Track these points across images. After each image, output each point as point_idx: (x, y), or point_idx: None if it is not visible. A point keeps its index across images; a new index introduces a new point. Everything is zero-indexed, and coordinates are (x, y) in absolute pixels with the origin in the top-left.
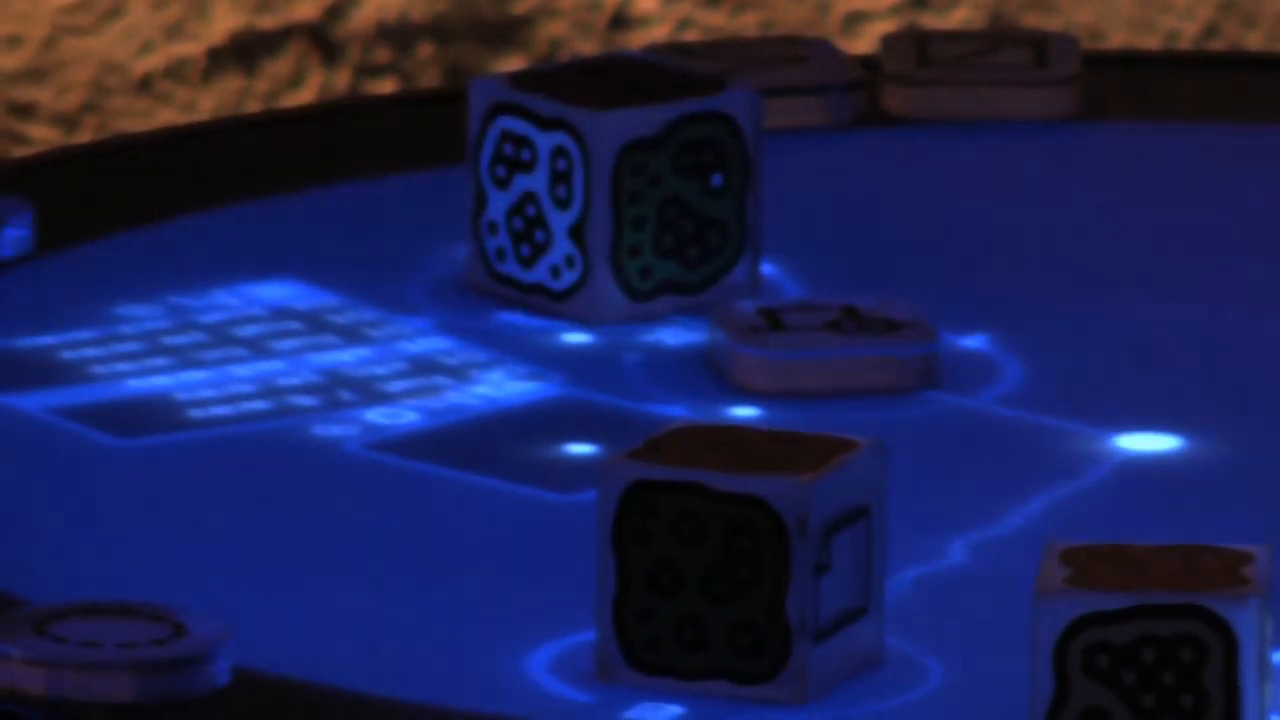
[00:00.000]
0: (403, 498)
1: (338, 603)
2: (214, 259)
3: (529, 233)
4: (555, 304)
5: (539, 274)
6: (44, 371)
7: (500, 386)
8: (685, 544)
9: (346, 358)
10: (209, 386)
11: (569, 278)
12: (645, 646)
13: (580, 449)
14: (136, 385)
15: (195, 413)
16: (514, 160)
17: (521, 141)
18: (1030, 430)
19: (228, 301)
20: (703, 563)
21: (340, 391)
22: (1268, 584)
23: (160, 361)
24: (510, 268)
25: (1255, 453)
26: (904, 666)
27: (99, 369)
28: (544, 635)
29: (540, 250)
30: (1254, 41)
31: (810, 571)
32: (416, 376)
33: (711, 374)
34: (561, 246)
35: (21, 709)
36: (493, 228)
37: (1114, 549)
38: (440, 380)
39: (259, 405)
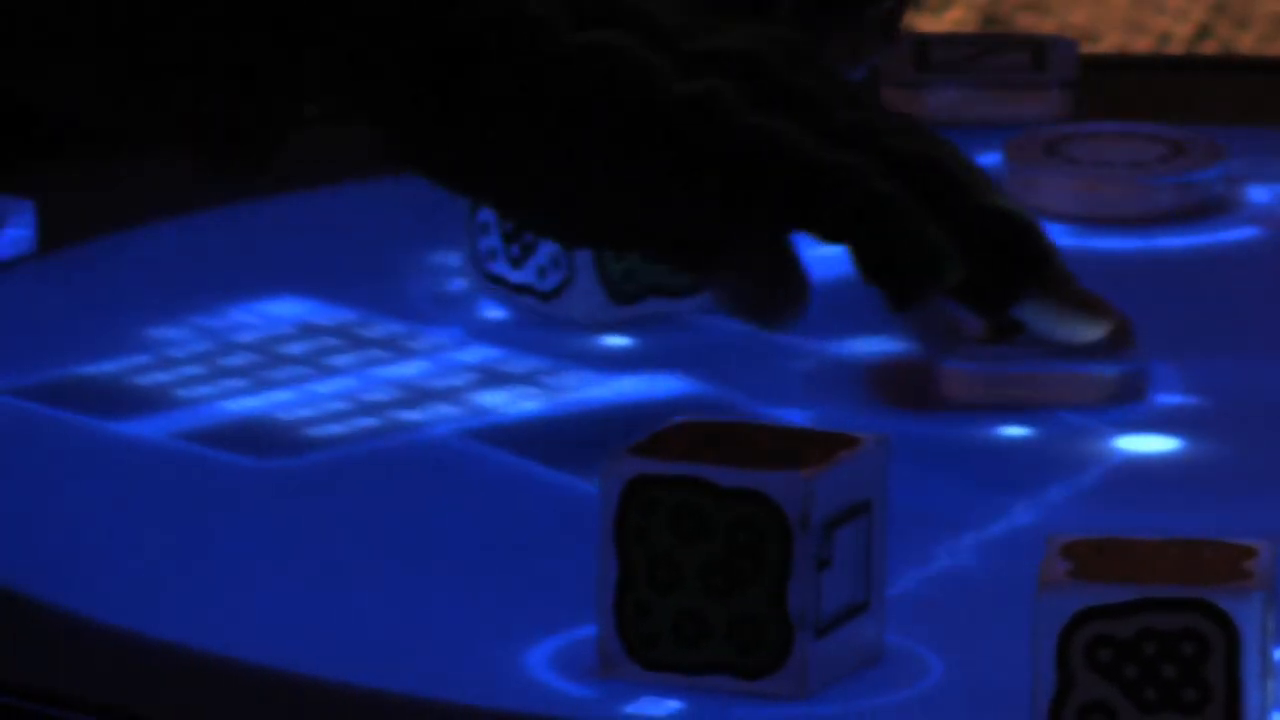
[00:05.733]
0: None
1: (335, 598)
2: (197, 270)
3: (519, 233)
4: (542, 304)
5: (527, 274)
6: (128, 398)
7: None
8: (686, 539)
9: (411, 370)
10: (303, 405)
11: (554, 278)
12: (646, 641)
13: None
14: (233, 407)
15: (313, 431)
16: None
17: None
18: (1027, 430)
19: (246, 319)
20: (704, 557)
21: (436, 404)
22: (1270, 578)
23: (236, 383)
24: (500, 267)
25: (1257, 450)
26: (905, 661)
27: (181, 392)
28: (545, 630)
29: (529, 250)
30: (1246, 43)
31: (811, 566)
32: (496, 383)
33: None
34: (547, 247)
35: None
36: (485, 228)
37: (1116, 543)
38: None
39: (368, 421)
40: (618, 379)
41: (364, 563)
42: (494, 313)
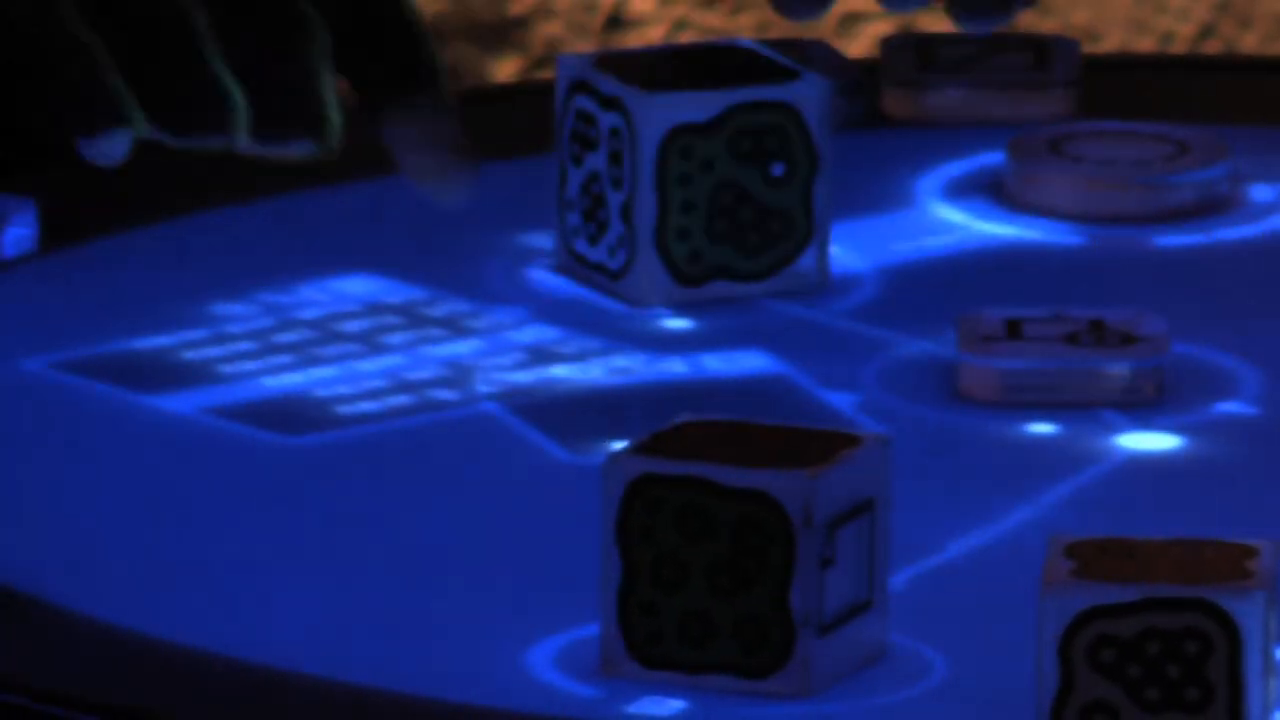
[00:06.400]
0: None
1: (337, 596)
2: (271, 255)
3: (594, 211)
4: (613, 283)
5: (600, 253)
6: (175, 372)
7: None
8: (690, 538)
9: (462, 349)
10: (343, 383)
11: (621, 257)
12: (649, 640)
13: None
14: (272, 383)
15: (343, 409)
16: (585, 138)
17: (590, 120)
18: (1033, 428)
19: (316, 297)
20: (707, 556)
21: (474, 384)
22: (1272, 578)
23: (283, 359)
24: (581, 245)
25: (1260, 449)
26: (908, 660)
27: (225, 368)
28: (547, 629)
29: (603, 229)
30: (1249, 43)
31: (815, 565)
32: (542, 362)
33: (943, 380)
34: (616, 227)
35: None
36: (569, 205)
37: (1119, 542)
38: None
39: (403, 399)
40: (668, 360)
41: (365, 561)
42: (566, 293)
